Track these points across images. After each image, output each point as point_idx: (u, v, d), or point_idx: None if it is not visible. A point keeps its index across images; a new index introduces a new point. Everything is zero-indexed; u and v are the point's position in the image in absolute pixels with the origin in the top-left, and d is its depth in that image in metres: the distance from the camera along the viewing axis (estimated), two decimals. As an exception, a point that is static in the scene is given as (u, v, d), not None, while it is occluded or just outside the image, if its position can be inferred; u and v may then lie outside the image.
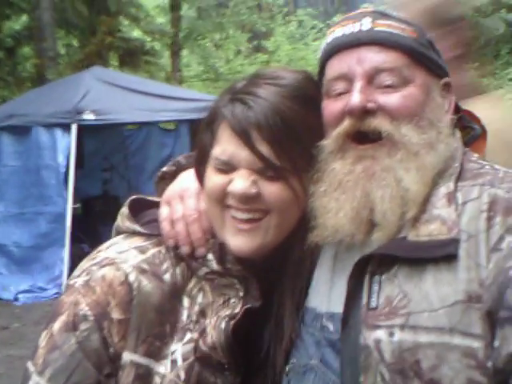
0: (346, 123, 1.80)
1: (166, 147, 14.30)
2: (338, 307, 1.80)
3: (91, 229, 12.02)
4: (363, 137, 1.81)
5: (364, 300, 1.72)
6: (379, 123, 1.77)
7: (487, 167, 1.84)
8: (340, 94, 1.85)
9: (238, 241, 1.87)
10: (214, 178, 1.88)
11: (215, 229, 1.93)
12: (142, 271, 1.86)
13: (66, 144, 10.31)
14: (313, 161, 1.87)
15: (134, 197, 2.10)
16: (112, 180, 14.83)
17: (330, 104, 1.87)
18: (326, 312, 1.87)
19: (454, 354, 1.58)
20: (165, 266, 1.91)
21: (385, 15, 1.91)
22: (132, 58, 22.49)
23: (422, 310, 1.63)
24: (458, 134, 1.94)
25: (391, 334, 1.64)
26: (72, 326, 1.80)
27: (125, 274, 1.85)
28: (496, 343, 1.57)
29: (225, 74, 27.96)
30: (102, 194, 14.61)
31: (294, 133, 1.84)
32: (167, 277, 1.89)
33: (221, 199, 1.86)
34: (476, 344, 1.58)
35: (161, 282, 1.87)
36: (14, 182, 11.13)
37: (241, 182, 1.81)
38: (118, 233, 2.04)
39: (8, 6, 20.29)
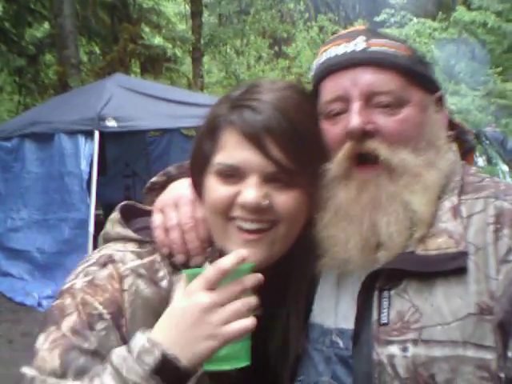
0: (347, 146, 1.78)
1: (187, 153, 14.26)
2: (347, 323, 1.80)
3: (113, 235, 11.98)
4: (364, 159, 1.79)
5: (374, 316, 1.71)
6: (378, 147, 1.76)
7: (487, 180, 1.85)
8: (337, 114, 1.82)
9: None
10: (219, 189, 1.83)
11: (217, 240, 1.89)
12: (139, 275, 1.83)
13: (89, 151, 10.35)
14: (320, 169, 1.84)
15: (124, 203, 2.07)
16: (134, 186, 14.90)
17: (330, 127, 1.85)
18: (335, 328, 1.85)
19: (468, 367, 1.58)
20: (161, 273, 1.87)
21: (378, 34, 1.89)
22: (153, 64, 22.60)
23: (434, 323, 1.63)
24: (455, 147, 1.93)
25: (404, 349, 1.64)
26: (88, 326, 1.73)
27: (121, 275, 1.81)
28: (509, 354, 1.57)
29: (246, 80, 27.98)
30: (124, 200, 14.63)
31: (302, 139, 1.81)
32: (164, 283, 1.85)
33: (226, 211, 1.82)
34: (489, 356, 1.57)
35: (158, 288, 1.84)
36: (38, 189, 11.20)
37: (252, 193, 1.77)
38: (106, 240, 1.98)
39: (30, 13, 20.49)
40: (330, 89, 1.85)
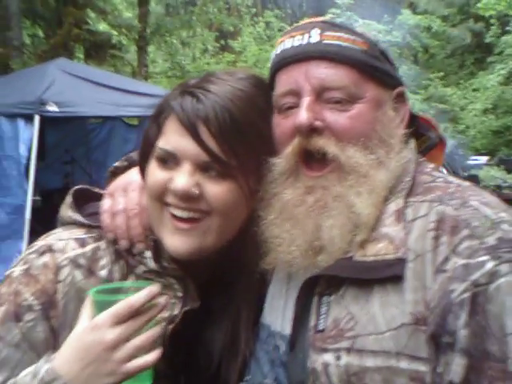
0: (295, 142, 1.77)
1: (129, 142, 14.15)
2: (289, 328, 1.79)
3: (50, 222, 11.80)
4: (313, 157, 1.77)
5: (312, 322, 1.69)
6: (325, 143, 1.74)
7: (439, 180, 1.80)
8: (289, 108, 1.81)
9: (175, 240, 1.82)
10: (155, 173, 1.84)
11: (153, 225, 1.89)
12: (78, 266, 1.83)
13: (29, 135, 10.14)
14: (262, 165, 1.84)
15: (79, 187, 2.05)
16: (73, 173, 14.64)
17: (281, 121, 1.84)
18: (279, 331, 1.84)
19: (401, 379, 1.55)
20: (103, 262, 1.87)
21: (335, 26, 1.85)
22: (98, 51, 22.27)
23: (368, 332, 1.60)
24: (413, 144, 1.90)
25: (338, 358, 1.61)
26: (14, 317, 1.76)
27: (57, 265, 1.81)
28: (439, 369, 1.54)
29: (191, 71, 27.83)
30: (62, 187, 14.38)
31: (241, 132, 1.81)
32: (103, 273, 1.85)
33: (160, 196, 1.83)
34: (423, 368, 1.55)
35: (95, 278, 1.83)
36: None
37: (183, 180, 1.77)
38: (61, 224, 1.99)
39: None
40: (283, 82, 1.84)
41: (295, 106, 1.80)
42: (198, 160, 1.79)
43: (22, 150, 10.16)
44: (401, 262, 1.62)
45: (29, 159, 10.14)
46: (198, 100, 1.81)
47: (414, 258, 1.62)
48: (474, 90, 31.32)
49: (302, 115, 1.74)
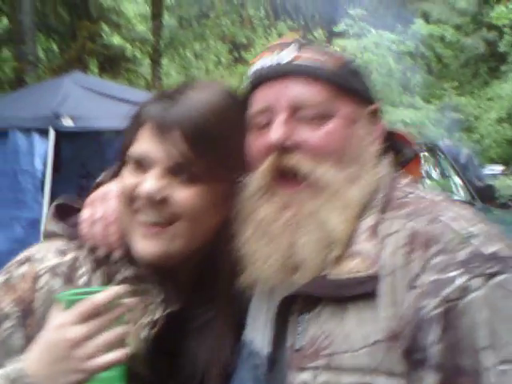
0: (269, 159, 1.77)
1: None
2: (268, 347, 1.79)
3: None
4: (287, 174, 1.77)
5: (290, 341, 1.69)
6: (298, 161, 1.75)
7: (411, 195, 1.80)
8: (264, 126, 1.82)
9: (143, 245, 1.83)
10: (127, 178, 1.85)
11: (125, 233, 1.90)
12: (56, 274, 1.85)
13: (44, 149, 10.20)
14: (233, 175, 1.85)
15: (61, 199, 2.09)
16: (88, 187, 14.60)
17: (255, 138, 1.84)
18: (259, 350, 1.83)
19: None
20: (82, 270, 1.89)
21: (307, 45, 1.87)
22: (112, 64, 22.45)
23: (344, 350, 1.59)
24: (388, 159, 1.90)
25: (315, 376, 1.60)
26: None
27: (36, 274, 1.83)
28: None
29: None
30: (77, 200, 14.50)
31: (212, 138, 1.83)
32: (82, 281, 1.87)
33: (130, 201, 1.84)
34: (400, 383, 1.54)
35: (74, 286, 1.84)
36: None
37: (149, 183, 1.79)
38: (44, 236, 2.01)
39: (-12, 8, 20.18)
40: (258, 100, 1.86)
41: (270, 123, 1.80)
42: (168, 163, 1.80)
43: (38, 164, 10.22)
44: (373, 279, 1.62)
45: (44, 173, 10.20)
46: (170, 105, 1.84)
47: (386, 274, 1.62)
48: (489, 99, 31.23)
49: (276, 133, 1.75)
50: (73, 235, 1.96)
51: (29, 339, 1.76)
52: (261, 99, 1.86)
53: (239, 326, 1.98)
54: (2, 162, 10.83)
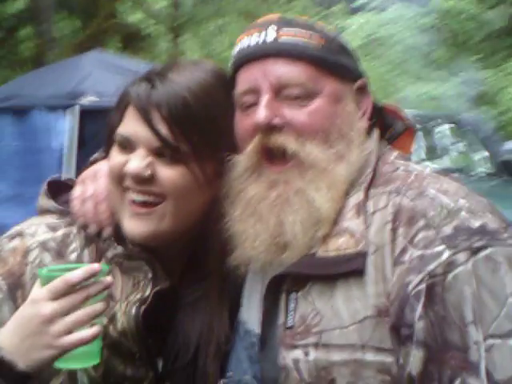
0: (256, 139, 1.79)
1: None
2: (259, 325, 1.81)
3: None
4: (274, 154, 1.79)
5: (281, 319, 1.71)
6: (285, 140, 1.76)
7: (400, 169, 1.80)
8: (250, 106, 1.83)
9: (132, 224, 1.87)
10: (114, 158, 1.89)
11: (115, 211, 1.94)
12: (47, 249, 1.88)
13: (65, 127, 10.23)
14: (220, 155, 1.87)
15: (54, 176, 2.13)
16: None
17: (242, 119, 1.86)
18: (253, 329, 1.86)
19: (369, 371, 1.57)
20: (73, 246, 1.93)
21: (291, 23, 1.87)
22: (132, 41, 22.38)
23: (333, 327, 1.61)
24: (376, 134, 1.90)
25: (307, 354, 1.63)
26: None
27: (27, 248, 1.87)
28: (400, 361, 1.55)
29: (227, 58, 27.82)
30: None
31: (195, 118, 1.85)
32: (73, 257, 1.90)
33: (119, 180, 1.88)
34: (389, 359, 1.56)
35: (64, 261, 1.88)
36: (15, 163, 11.05)
37: (135, 162, 1.82)
38: (38, 212, 2.05)
39: (8, -13, 20.16)
40: (243, 80, 1.88)
41: (255, 103, 1.82)
42: (151, 145, 1.84)
43: (60, 142, 10.25)
44: (361, 255, 1.63)
45: (65, 151, 10.23)
46: (152, 86, 1.88)
47: (374, 250, 1.63)
48: (510, 73, 30.82)
49: (261, 113, 1.77)
50: (64, 212, 2.00)
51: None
52: (245, 80, 1.87)
53: (236, 304, 2.01)
54: (24, 140, 10.89)
